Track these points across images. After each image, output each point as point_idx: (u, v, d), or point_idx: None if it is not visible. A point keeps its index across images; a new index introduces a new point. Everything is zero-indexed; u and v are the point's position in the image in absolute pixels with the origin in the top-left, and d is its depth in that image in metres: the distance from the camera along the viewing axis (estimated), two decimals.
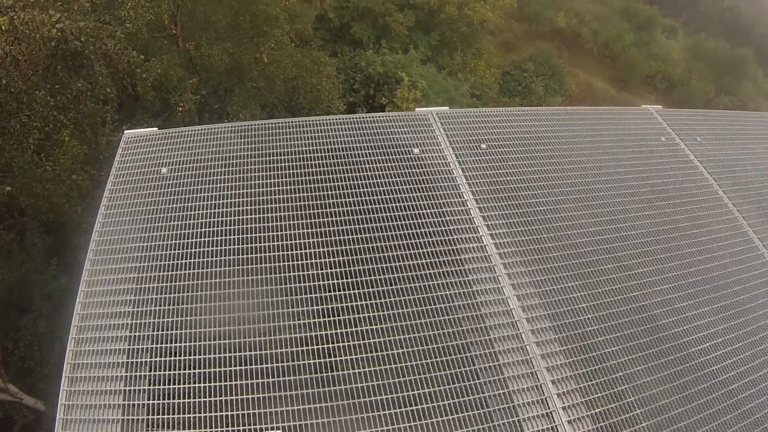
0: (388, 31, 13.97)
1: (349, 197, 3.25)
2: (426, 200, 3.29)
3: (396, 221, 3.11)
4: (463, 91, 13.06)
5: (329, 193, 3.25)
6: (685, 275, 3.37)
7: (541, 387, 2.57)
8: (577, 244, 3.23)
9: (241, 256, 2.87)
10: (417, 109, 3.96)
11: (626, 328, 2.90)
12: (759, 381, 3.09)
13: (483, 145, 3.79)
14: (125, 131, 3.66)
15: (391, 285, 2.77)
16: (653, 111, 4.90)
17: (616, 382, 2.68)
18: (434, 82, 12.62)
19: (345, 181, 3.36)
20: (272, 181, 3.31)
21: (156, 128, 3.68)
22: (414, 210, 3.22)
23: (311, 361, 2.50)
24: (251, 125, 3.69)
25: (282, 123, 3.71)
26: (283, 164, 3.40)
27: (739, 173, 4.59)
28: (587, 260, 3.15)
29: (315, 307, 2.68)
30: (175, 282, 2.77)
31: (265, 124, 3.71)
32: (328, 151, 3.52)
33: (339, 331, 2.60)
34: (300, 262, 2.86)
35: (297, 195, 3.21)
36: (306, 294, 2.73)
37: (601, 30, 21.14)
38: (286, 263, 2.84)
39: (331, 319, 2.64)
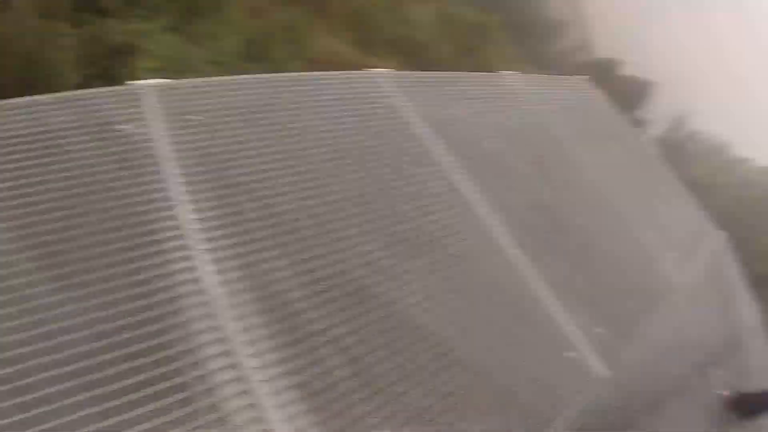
0: None
1: (47, 183, 3.10)
2: (130, 179, 3.31)
3: (89, 204, 3.10)
4: (205, 59, 13.25)
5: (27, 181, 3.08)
6: (395, 234, 4.02)
7: (241, 363, 2.83)
8: (282, 212, 3.63)
9: None
10: (129, 82, 3.93)
11: (329, 292, 3.36)
12: (468, 330, 3.68)
13: (197, 117, 3.91)
14: None
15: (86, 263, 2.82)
16: (380, 75, 5.44)
17: (321, 347, 3.10)
18: (174, 51, 12.61)
19: (45, 166, 3.19)
20: None
21: None
22: (116, 191, 3.22)
23: None
24: None
25: None
26: None
27: (458, 132, 5.35)
28: (291, 227, 3.58)
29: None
30: None
31: None
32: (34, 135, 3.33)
33: None
34: None
35: None
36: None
37: None
38: None
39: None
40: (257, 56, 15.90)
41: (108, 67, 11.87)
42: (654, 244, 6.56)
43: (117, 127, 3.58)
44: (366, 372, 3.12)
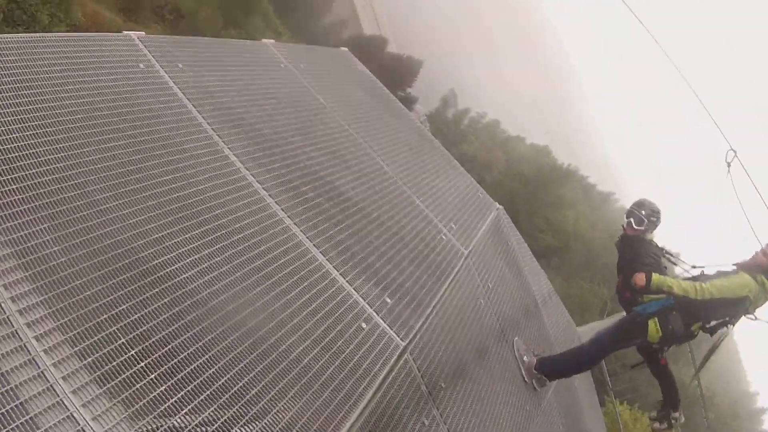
0: None
1: None
2: None
3: None
4: None
5: None
6: (161, 204, 4.40)
7: (25, 346, 3.09)
8: (43, 183, 3.82)
9: None
10: None
11: (104, 267, 3.67)
12: (248, 300, 4.20)
13: None
14: None
15: None
16: (135, 37, 5.90)
17: (105, 324, 3.41)
18: None
19: None
20: None
21: None
22: None
23: None
24: None
25: None
26: None
27: (220, 98, 5.87)
28: (54, 199, 3.79)
29: None
30: None
31: None
32: None
33: None
34: None
35: None
36: None
37: None
38: None
39: None
40: (20, 20, 15.69)
41: None
42: (436, 216, 7.71)
43: None
44: (155, 347, 3.44)
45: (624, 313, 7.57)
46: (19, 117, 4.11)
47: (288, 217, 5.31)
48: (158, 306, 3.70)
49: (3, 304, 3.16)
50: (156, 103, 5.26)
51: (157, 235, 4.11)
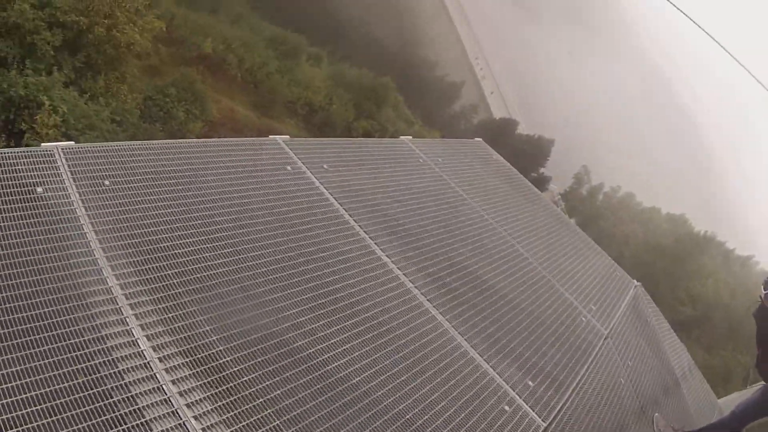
0: (35, 51, 15.77)
1: None
2: (48, 243, 3.77)
3: (17, 268, 3.52)
4: (104, 116, 15.54)
5: None
6: (314, 297, 4.56)
7: (185, 425, 3.24)
8: (203, 278, 4.11)
9: None
10: (42, 144, 4.50)
11: (260, 355, 3.84)
12: (396, 386, 4.31)
13: (107, 182, 4.47)
14: None
15: (21, 337, 3.19)
16: (280, 141, 6.22)
17: (259, 408, 3.53)
18: (75, 107, 14.86)
19: None
20: None
21: None
22: (36, 255, 3.66)
23: None
24: None
25: None
26: None
27: (365, 196, 6.13)
28: (215, 293, 4.05)
29: None
30: None
31: None
32: None
33: None
34: None
35: None
36: None
37: (246, 56, 24.94)
38: None
39: None
40: (156, 116, 17.41)
41: (10, 120, 13.58)
42: (576, 298, 7.52)
43: (36, 189, 4.05)
44: (307, 430, 3.54)
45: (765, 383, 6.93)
46: (182, 217, 4.48)
47: (434, 307, 5.34)
48: (310, 392, 3.79)
49: (165, 386, 3.35)
50: (305, 203, 5.52)
51: (308, 327, 4.25)
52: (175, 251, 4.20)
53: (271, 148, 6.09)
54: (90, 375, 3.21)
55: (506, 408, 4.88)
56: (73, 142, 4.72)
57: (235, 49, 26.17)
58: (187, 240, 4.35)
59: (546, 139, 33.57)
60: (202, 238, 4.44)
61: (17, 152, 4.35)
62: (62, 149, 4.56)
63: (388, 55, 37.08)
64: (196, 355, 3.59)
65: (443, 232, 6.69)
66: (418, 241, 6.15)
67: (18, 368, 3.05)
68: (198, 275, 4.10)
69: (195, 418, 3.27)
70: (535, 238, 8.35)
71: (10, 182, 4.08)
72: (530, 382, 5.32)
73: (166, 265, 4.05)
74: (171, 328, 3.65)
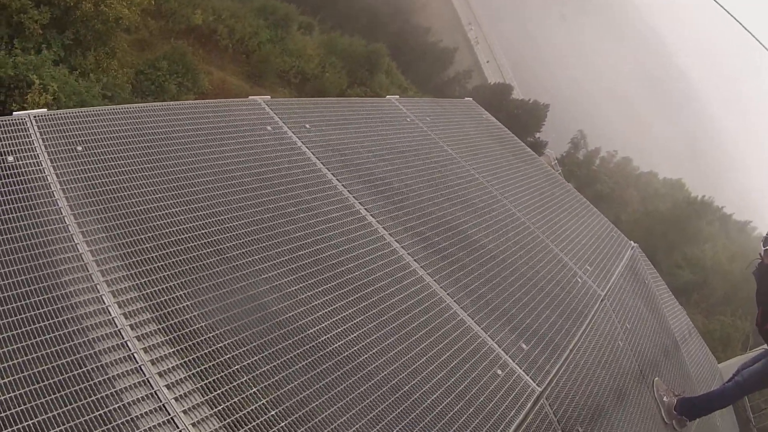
0: (23, 30, 15.69)
1: None
2: (19, 212, 3.68)
3: None
4: (94, 92, 15.46)
5: None
6: (295, 259, 4.40)
7: (156, 394, 3.13)
8: (177, 241, 3.97)
9: None
10: (14, 113, 4.43)
11: (237, 320, 3.69)
12: (382, 350, 4.16)
13: (79, 147, 4.35)
14: None
15: None
16: (260, 101, 6.09)
17: (236, 374, 3.40)
18: (66, 85, 14.70)
19: None
20: None
21: None
22: (6, 224, 3.57)
23: None
24: None
25: None
26: None
27: (349, 155, 5.95)
28: (188, 256, 3.91)
29: None
30: None
31: None
32: None
33: None
34: None
35: None
36: None
37: (237, 27, 24.80)
38: None
39: None
40: (148, 90, 17.36)
41: (0, 102, 13.57)
42: (571, 259, 7.34)
43: (7, 158, 3.92)
44: (287, 397, 3.38)
45: (766, 347, 6.82)
46: (156, 180, 4.32)
47: (421, 268, 5.19)
48: (290, 358, 3.65)
49: (136, 354, 3.22)
50: (286, 163, 5.35)
51: (289, 289, 4.10)
52: (149, 215, 4.06)
53: (251, 108, 5.92)
54: (62, 344, 3.09)
55: (498, 372, 4.75)
56: (45, 110, 4.60)
57: (225, 20, 25.99)
58: (162, 203, 4.21)
59: (541, 104, 33.25)
60: (177, 201, 4.29)
61: None
62: (34, 116, 4.43)
63: (379, 23, 36.77)
64: (170, 320, 3.46)
65: (431, 191, 6.51)
66: (404, 200, 5.99)
67: None
68: (172, 239, 3.96)
69: (168, 387, 3.16)
70: (528, 198, 8.18)
71: None
72: (524, 345, 5.18)
73: (140, 229, 3.92)
74: (144, 294, 3.52)
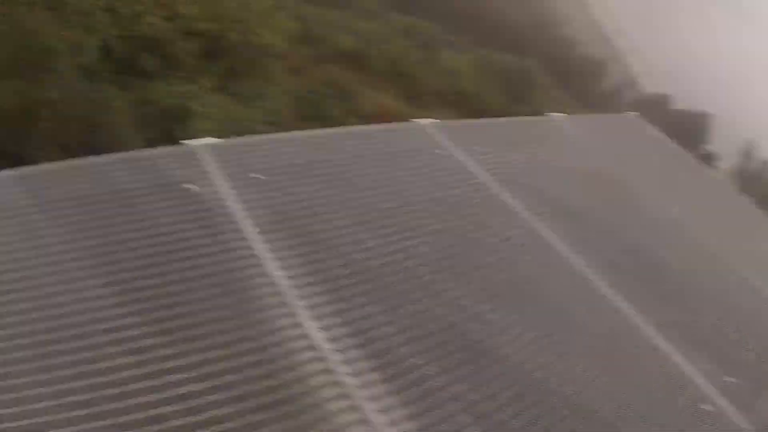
0: (178, 61, 15.82)
1: (132, 242, 3.67)
2: (205, 238, 3.83)
3: (179, 262, 3.57)
4: (256, 118, 15.31)
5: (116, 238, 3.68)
6: (487, 286, 4.36)
7: (369, 418, 3.11)
8: (371, 267, 4.01)
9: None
10: (187, 141, 4.60)
11: (440, 347, 3.67)
12: (586, 381, 4.00)
13: (260, 175, 4.47)
14: None
15: (192, 329, 3.22)
16: (428, 124, 6.02)
17: (444, 402, 3.35)
18: (227, 112, 14.75)
19: (128, 224, 3.81)
20: (54, 231, 3.67)
21: None
22: (192, 250, 3.71)
23: None
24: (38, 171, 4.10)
25: (52, 169, 4.17)
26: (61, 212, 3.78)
27: (522, 177, 5.89)
28: (384, 282, 3.95)
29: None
30: None
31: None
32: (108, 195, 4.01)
33: None
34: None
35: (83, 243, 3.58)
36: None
37: (388, 49, 25.16)
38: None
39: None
40: (310, 115, 18.09)
41: (167, 129, 14.15)
42: (761, 282, 6.78)
43: (184, 186, 4.10)
44: (491, 423, 3.34)
45: None
46: (341, 207, 4.43)
47: (613, 293, 4.93)
48: (496, 388, 3.59)
49: (344, 379, 3.24)
50: (464, 186, 5.33)
51: (486, 317, 4.07)
52: (337, 241, 4.13)
53: (420, 132, 5.91)
54: (263, 366, 3.15)
55: (704, 407, 4.40)
56: (222, 139, 4.76)
57: (374, 42, 26.72)
58: (348, 230, 4.27)
59: (705, 113, 31.30)
60: (363, 227, 4.35)
61: (167, 152, 4.47)
62: (211, 146, 4.59)
63: (525, 37, 36.23)
64: (371, 345, 3.47)
65: (611, 211, 6.24)
66: (585, 222, 5.80)
67: (184, 362, 3.01)
68: (364, 265, 4.01)
69: (378, 411, 3.13)
70: (710, 218, 7.65)
71: (162, 181, 4.16)
72: (731, 379, 4.78)
73: (331, 255, 3.98)
74: (345, 320, 3.54)
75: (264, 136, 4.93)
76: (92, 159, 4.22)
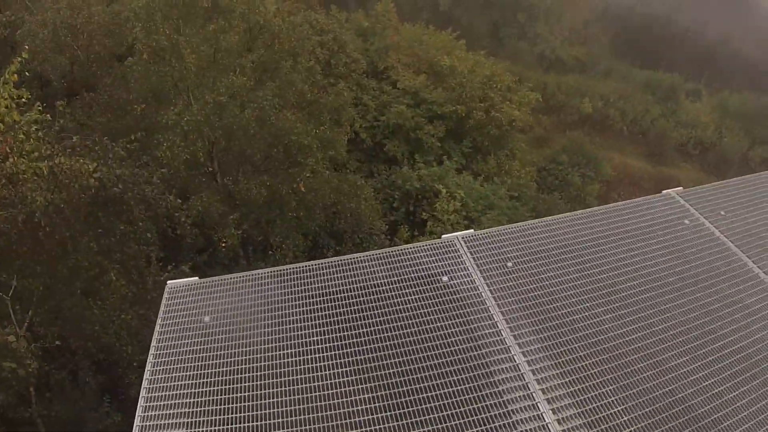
0: (421, 145, 18.36)
1: (384, 332, 4.38)
2: (457, 326, 4.43)
3: (430, 351, 4.22)
4: (501, 194, 16.68)
5: (365, 330, 4.41)
6: (721, 358, 4.43)
7: None
8: (608, 348, 4.32)
9: (282, 399, 3.95)
10: (443, 236, 5.31)
11: (665, 423, 3.87)
12: None
13: (509, 264, 5.07)
14: (168, 282, 4.96)
15: (430, 414, 3.82)
16: (674, 194, 6.21)
17: None
18: (471, 190, 16.33)
19: (380, 317, 4.51)
20: (310, 323, 4.50)
21: (197, 278, 4.99)
22: (447, 338, 4.33)
23: None
24: (287, 269, 5.05)
25: (316, 264, 5.06)
26: (319, 305, 4.65)
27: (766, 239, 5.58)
28: (620, 363, 4.22)
29: None
30: (224, 426, 3.79)
31: (299, 267, 5.04)
32: (362, 288, 4.76)
33: None
34: (340, 400, 3.94)
35: (334, 335, 4.36)
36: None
37: (627, 108, 24.88)
38: (325, 402, 3.91)
39: None
40: (552, 185, 18.23)
41: (410, 212, 15.83)
42: None
43: (442, 278, 4.81)
44: None
45: None
46: (584, 290, 4.79)
47: None
48: None
49: None
50: (707, 257, 5.37)
51: (714, 391, 4.15)
52: (580, 323, 4.51)
53: (665, 203, 6.07)
54: None
55: None
56: (472, 230, 5.39)
57: (614, 102, 26.34)
58: (591, 312, 4.62)
59: None
60: (606, 308, 4.66)
61: (422, 246, 5.17)
62: (462, 238, 5.24)
63: (761, 71, 33.08)
64: (600, 426, 3.78)
65: None
66: None
67: None
68: (603, 346, 4.33)
69: None
70: None
71: (419, 273, 4.86)
72: None
73: (572, 338, 4.37)
74: (576, 401, 3.91)
75: (512, 226, 5.33)
76: (352, 255, 5.08)
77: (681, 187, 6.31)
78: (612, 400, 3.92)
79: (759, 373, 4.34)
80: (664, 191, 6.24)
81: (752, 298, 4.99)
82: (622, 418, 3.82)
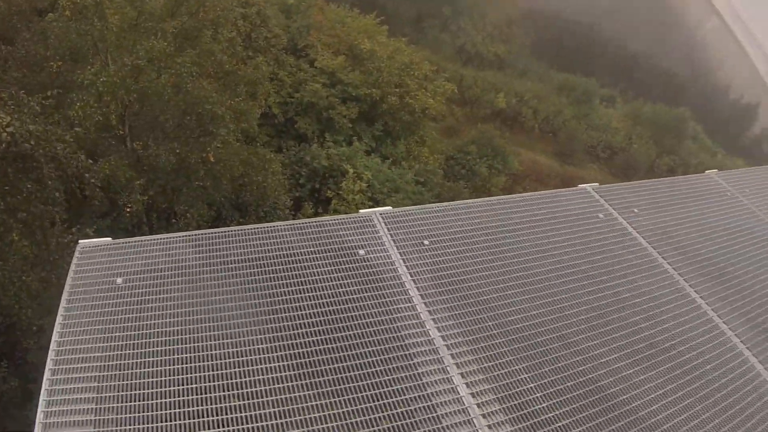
0: (332, 125, 18.27)
1: (299, 301, 4.29)
2: (373, 299, 4.40)
3: (346, 321, 4.18)
4: (407, 179, 16.91)
5: (282, 298, 4.30)
6: (630, 344, 4.57)
7: None
8: (521, 328, 4.40)
9: (193, 364, 3.81)
10: (361, 210, 5.25)
11: (576, 401, 3.98)
12: (701, 426, 4.16)
13: (426, 242, 5.05)
14: (80, 242, 4.67)
15: (344, 383, 3.77)
16: (590, 189, 6.38)
17: None
18: (379, 173, 16.47)
19: (296, 285, 4.42)
20: (225, 289, 4.34)
21: (110, 238, 4.72)
22: (362, 310, 4.30)
23: None
24: (202, 234, 4.84)
25: (231, 231, 4.90)
26: (235, 272, 4.50)
27: (676, 237, 6.05)
28: (532, 342, 4.30)
29: (268, 411, 3.57)
30: (134, 391, 3.63)
31: (215, 233, 4.86)
32: (279, 257, 4.65)
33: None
34: (256, 367, 3.84)
35: (250, 302, 4.23)
36: (260, 398, 3.64)
37: (540, 107, 25.64)
38: (237, 369, 3.80)
39: (285, 420, 3.53)
40: (459, 174, 18.55)
41: (316, 189, 15.68)
42: None
43: (359, 252, 4.77)
44: None
45: None
46: (499, 271, 4.88)
47: (753, 355, 5.00)
48: None
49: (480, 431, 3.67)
50: (619, 249, 5.57)
51: (624, 373, 4.30)
52: (493, 303, 4.57)
53: (581, 197, 6.25)
54: (409, 419, 3.65)
55: None
56: (390, 207, 5.37)
57: (527, 101, 27.14)
58: (505, 293, 4.69)
59: None
60: (520, 290, 4.76)
61: (340, 218, 5.13)
62: (381, 214, 5.22)
63: (677, 86, 35.27)
64: (512, 401, 3.86)
65: (755, 268, 6.18)
66: (730, 281, 5.80)
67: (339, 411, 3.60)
68: (516, 326, 4.40)
69: None
70: None
71: (334, 246, 4.81)
72: None
73: (486, 317, 4.42)
74: (489, 376, 3.97)
75: (430, 206, 5.39)
76: (269, 225, 4.96)
77: (597, 183, 6.53)
78: (524, 377, 4.00)
79: (666, 360, 4.52)
80: (580, 185, 6.43)
81: (661, 291, 5.22)
82: (534, 395, 3.91)
